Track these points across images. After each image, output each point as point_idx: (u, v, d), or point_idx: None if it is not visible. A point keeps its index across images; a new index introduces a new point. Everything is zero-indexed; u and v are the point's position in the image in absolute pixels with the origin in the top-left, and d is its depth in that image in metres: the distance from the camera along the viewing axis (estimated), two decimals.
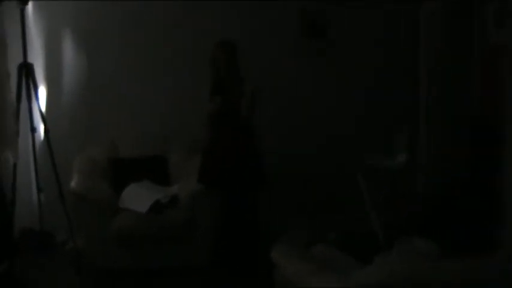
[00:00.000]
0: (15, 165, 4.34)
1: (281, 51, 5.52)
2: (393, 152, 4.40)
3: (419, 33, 5.40)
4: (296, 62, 5.56)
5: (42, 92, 5.15)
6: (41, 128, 4.63)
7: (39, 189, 4.52)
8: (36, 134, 4.51)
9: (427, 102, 5.19)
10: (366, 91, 5.65)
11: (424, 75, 5.38)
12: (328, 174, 5.59)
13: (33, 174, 4.57)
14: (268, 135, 5.01)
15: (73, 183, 4.56)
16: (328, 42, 5.59)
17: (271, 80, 5.25)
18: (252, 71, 4.64)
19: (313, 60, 5.60)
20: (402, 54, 5.61)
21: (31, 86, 4.34)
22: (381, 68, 5.63)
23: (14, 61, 4.51)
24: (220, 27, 5.24)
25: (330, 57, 5.61)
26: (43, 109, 4.66)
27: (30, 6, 4.88)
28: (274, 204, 5.27)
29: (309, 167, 5.60)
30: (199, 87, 4.71)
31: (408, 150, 4.25)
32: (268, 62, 5.40)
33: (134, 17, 5.30)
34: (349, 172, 5.01)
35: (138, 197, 4.64)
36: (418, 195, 4.67)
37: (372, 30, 5.63)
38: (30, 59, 4.38)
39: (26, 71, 4.32)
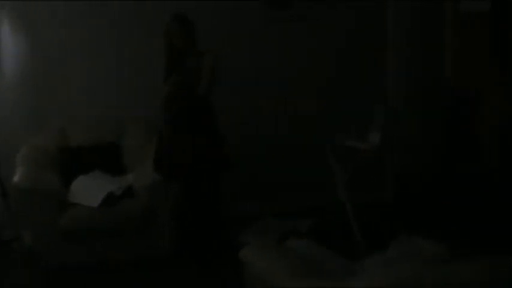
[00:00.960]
0: None
1: (243, 23, 5.15)
2: (366, 132, 4.12)
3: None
4: (259, 34, 5.21)
5: None
6: None
7: None
8: None
9: (396, 76, 4.97)
10: (333, 65, 5.37)
11: (392, 47, 5.15)
12: (296, 154, 5.32)
13: None
14: (229, 113, 4.67)
15: (17, 177, 4.17)
16: (294, 13, 5.24)
17: (232, 54, 4.89)
18: (210, 45, 4.29)
19: (277, 32, 5.25)
20: (371, 27, 5.34)
21: None
22: (349, 40, 5.35)
23: None
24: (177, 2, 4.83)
25: (295, 29, 5.28)
26: None
27: None
28: (238, 188, 5.00)
29: (274, 146, 5.31)
30: (154, 67, 4.37)
31: (382, 130, 3.97)
32: (229, 36, 5.04)
33: None
34: (317, 152, 4.80)
35: (88, 190, 4.27)
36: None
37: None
38: None
39: None
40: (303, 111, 5.32)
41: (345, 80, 5.41)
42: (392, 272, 1.86)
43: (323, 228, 4.31)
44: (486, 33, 4.58)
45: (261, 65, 5.22)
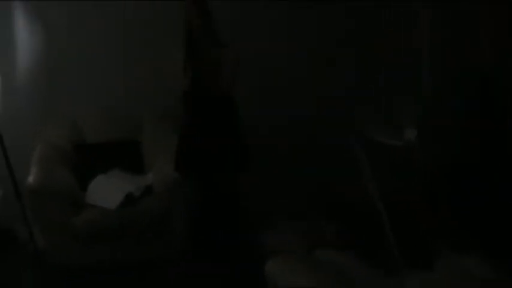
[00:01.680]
0: None
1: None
2: (400, 126, 3.82)
3: None
4: (281, 16, 4.93)
5: None
6: None
7: None
8: None
9: (429, 64, 4.67)
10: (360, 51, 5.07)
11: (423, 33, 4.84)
12: (320, 147, 5.06)
13: None
14: (250, 103, 4.38)
15: (31, 178, 3.97)
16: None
17: (252, 39, 4.61)
18: (231, 31, 4.04)
19: (300, 14, 4.96)
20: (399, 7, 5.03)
21: None
22: (377, 23, 5.04)
23: None
24: None
25: (319, 12, 4.99)
26: None
27: None
28: (259, 184, 4.73)
29: (297, 139, 5.05)
30: (174, 57, 4.13)
31: (417, 125, 3.66)
32: (248, 18, 4.78)
33: None
34: (344, 146, 4.54)
35: (106, 191, 4.06)
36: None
37: None
38: None
39: None
40: (325, 99, 5.05)
41: (372, 64, 5.11)
42: None
43: (352, 233, 4.04)
44: None
45: (281, 50, 4.94)
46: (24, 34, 4.59)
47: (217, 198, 4.13)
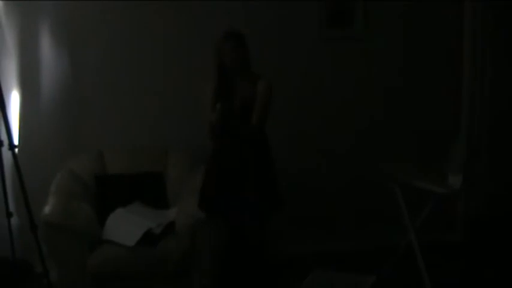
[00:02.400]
0: None
1: (298, 45, 4.77)
2: (442, 171, 3.53)
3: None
4: (315, 57, 4.81)
5: (15, 98, 4.42)
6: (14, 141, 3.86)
7: (8, 215, 3.79)
8: (4, 149, 3.71)
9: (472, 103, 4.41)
10: (398, 92, 4.91)
11: (468, 74, 4.59)
12: (354, 188, 4.88)
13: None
14: (281, 142, 4.22)
15: (47, 209, 3.78)
16: (354, 35, 4.81)
17: (285, 77, 4.56)
18: (264, 68, 3.82)
19: (334, 54, 4.84)
20: (439, 49, 4.82)
21: None
22: (415, 64, 4.87)
23: None
24: (230, 17, 4.45)
25: (354, 53, 4.85)
26: (13, 118, 4.09)
27: None
28: (288, 225, 4.64)
29: (330, 179, 4.90)
30: (203, 90, 3.90)
31: (465, 172, 3.35)
32: (282, 57, 4.70)
33: (124, 12, 4.51)
34: (377, 188, 4.31)
35: (125, 227, 3.82)
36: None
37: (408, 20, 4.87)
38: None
39: None
40: (363, 140, 4.82)
41: (410, 105, 4.89)
42: None
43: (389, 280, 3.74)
44: None
45: (315, 86, 4.84)
46: (50, 64, 4.50)
47: (243, 240, 3.88)
